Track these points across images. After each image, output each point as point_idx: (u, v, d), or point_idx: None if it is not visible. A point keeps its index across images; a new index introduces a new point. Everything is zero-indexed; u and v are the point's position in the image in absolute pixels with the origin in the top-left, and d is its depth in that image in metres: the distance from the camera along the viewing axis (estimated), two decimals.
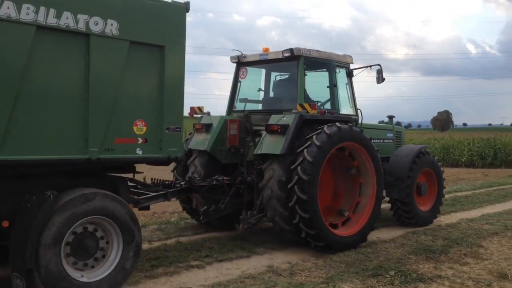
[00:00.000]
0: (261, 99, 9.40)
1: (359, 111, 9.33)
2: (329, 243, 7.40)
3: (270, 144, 7.50)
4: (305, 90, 8.37)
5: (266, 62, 8.81)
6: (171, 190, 7.11)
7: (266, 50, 8.94)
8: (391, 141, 10.49)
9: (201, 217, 7.93)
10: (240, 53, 9.09)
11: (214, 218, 7.99)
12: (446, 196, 11.97)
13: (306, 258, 7.06)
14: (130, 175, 6.27)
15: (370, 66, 9.31)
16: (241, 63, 9.12)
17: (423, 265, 6.80)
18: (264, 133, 7.77)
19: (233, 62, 9.18)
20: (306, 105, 7.71)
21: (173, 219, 9.85)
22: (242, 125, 8.79)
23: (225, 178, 8.15)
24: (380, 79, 9.24)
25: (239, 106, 9.29)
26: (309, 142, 7.32)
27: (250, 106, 9.29)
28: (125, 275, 5.55)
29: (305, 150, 7.25)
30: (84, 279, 5.24)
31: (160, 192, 6.96)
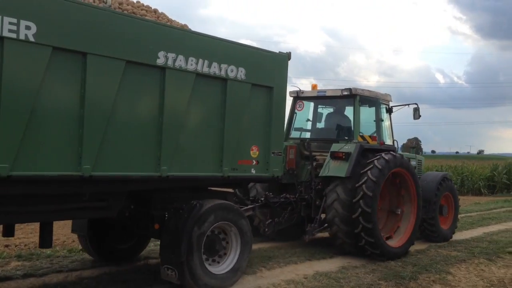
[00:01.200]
0: (313, 128, 10.89)
1: (395, 141, 10.90)
2: (383, 251, 8.84)
3: (335, 168, 8.98)
4: None
5: (323, 98, 10.33)
6: (257, 204, 8.51)
7: (315, 87, 10.52)
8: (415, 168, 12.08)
9: (266, 230, 9.26)
10: (298, 89, 10.62)
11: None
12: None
13: (277, 283, 7.06)
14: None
15: (408, 105, 10.92)
16: (299, 98, 10.64)
17: None
18: (327, 158, 9.24)
19: (292, 96, 10.68)
20: (366, 137, 9.27)
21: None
22: (298, 150, 10.24)
23: (290, 196, 9.56)
24: (416, 116, 10.84)
25: (293, 134, 10.79)
26: (371, 165, 8.82)
27: (303, 135, 10.81)
28: (242, 270, 6.92)
29: (369, 171, 8.75)
30: (215, 272, 6.59)
31: (249, 206, 8.35)
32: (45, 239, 5.91)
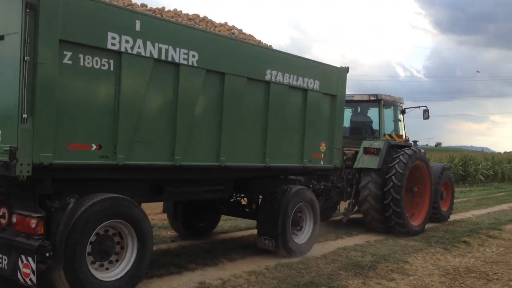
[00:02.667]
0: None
1: (407, 137, 12.90)
2: (408, 230, 10.80)
3: (368, 161, 10.87)
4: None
5: (351, 102, 12.18)
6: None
7: None
8: None
9: None
10: None
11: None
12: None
13: (239, 274, 7.05)
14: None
15: (419, 107, 12.96)
16: None
17: (352, 280, 7.03)
18: (360, 153, 11.12)
19: None
20: (393, 135, 11.22)
21: None
22: None
23: (327, 184, 11.40)
24: (426, 116, 12.87)
25: None
26: (398, 160, 10.75)
27: None
28: (314, 240, 8.72)
29: (396, 165, 10.68)
30: (297, 242, 8.35)
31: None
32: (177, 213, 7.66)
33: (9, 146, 4.82)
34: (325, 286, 6.58)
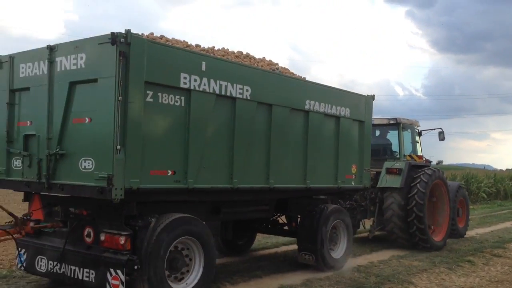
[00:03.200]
0: None
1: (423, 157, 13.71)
2: (431, 245, 11.52)
3: (390, 181, 11.64)
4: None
5: (372, 125, 12.99)
6: None
7: None
8: None
9: None
10: None
11: None
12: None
13: None
14: None
15: (434, 129, 13.78)
16: None
17: None
18: (383, 173, 11.89)
19: None
20: (414, 156, 12.02)
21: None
22: None
23: (353, 203, 12.14)
24: (441, 138, 13.69)
25: None
26: (419, 179, 11.53)
27: None
28: (349, 254, 9.44)
29: (418, 184, 11.45)
30: (334, 256, 9.08)
31: None
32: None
33: (107, 174, 5.61)
34: None
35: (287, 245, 11.14)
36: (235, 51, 8.49)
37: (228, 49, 8.38)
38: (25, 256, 7.14)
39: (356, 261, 9.77)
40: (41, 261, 6.89)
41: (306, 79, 9.07)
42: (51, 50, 6.40)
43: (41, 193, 6.91)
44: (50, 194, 6.71)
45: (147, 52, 5.92)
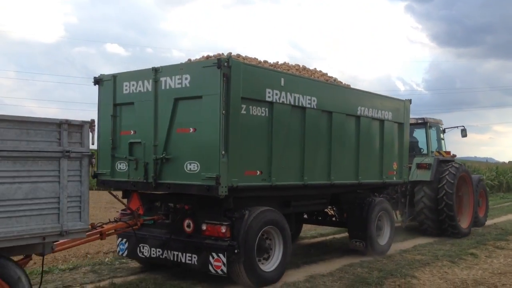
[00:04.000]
0: None
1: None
2: (459, 231, 12.76)
3: (421, 175, 12.86)
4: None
5: None
6: None
7: None
8: None
9: None
10: None
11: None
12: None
13: None
14: None
15: (457, 127, 15.01)
16: None
17: None
18: (413, 167, 13.11)
19: None
20: (442, 152, 13.26)
21: (107, 259, 9.32)
22: None
23: (386, 196, 13.37)
24: (463, 135, 14.90)
25: None
26: (447, 172, 12.76)
27: None
28: (391, 242, 10.69)
29: (447, 175, 12.68)
30: (380, 243, 10.32)
31: None
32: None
33: (215, 174, 6.85)
34: None
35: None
36: (294, 65, 9.69)
37: (288, 63, 9.59)
38: (126, 245, 8.39)
39: (360, 257, 9.80)
40: (143, 248, 8.14)
41: (383, 94, 10.22)
42: (156, 71, 7.63)
43: (140, 191, 8.12)
44: (152, 192, 7.96)
45: (242, 73, 7.14)
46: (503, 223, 16.20)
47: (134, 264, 8.86)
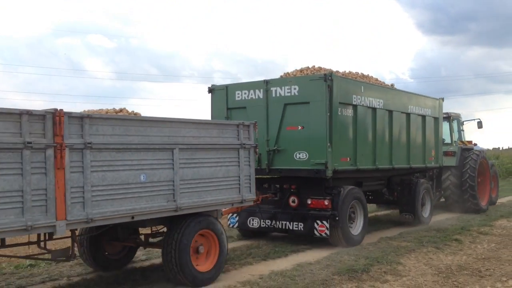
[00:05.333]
0: None
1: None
2: (480, 208, 15.26)
3: (447, 161, 15.34)
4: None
5: None
6: None
7: None
8: None
9: None
10: None
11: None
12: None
13: (233, 284, 7.06)
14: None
15: (474, 119, 17.52)
16: None
17: (346, 285, 6.99)
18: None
19: None
20: (465, 141, 15.77)
21: None
22: None
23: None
24: (479, 126, 17.42)
25: None
26: (470, 158, 15.26)
27: None
28: (432, 215, 13.15)
29: (469, 161, 15.17)
30: (424, 215, 12.78)
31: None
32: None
33: (324, 161, 9.20)
34: None
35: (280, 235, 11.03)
36: (355, 72, 12.04)
37: (352, 72, 11.93)
38: (236, 219, 10.69)
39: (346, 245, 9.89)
40: (252, 220, 10.44)
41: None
42: (267, 83, 9.93)
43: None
44: (263, 176, 10.23)
45: (339, 84, 9.48)
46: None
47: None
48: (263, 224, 10.36)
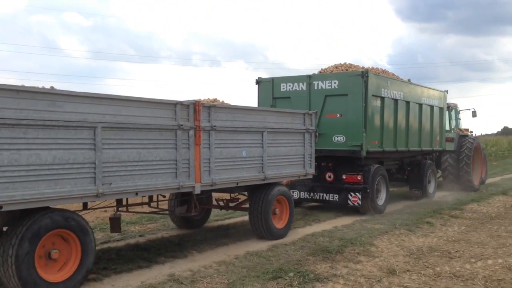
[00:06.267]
0: None
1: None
2: (473, 186, 17.51)
3: (447, 145, 17.52)
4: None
5: None
6: None
7: None
8: None
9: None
10: None
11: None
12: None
13: (208, 264, 7.10)
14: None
15: (469, 109, 19.73)
16: None
17: (320, 265, 7.04)
18: None
19: None
20: (462, 129, 17.99)
21: None
22: None
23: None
24: (473, 115, 19.64)
25: None
26: (466, 142, 17.47)
27: None
28: (436, 190, 15.35)
29: (466, 144, 17.40)
30: (429, 191, 14.96)
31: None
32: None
33: (360, 143, 11.20)
34: (293, 272, 6.63)
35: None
36: (376, 68, 14.01)
37: (377, 68, 13.90)
38: None
39: (321, 226, 10.28)
40: (293, 193, 12.40)
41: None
42: (310, 77, 11.83)
43: None
44: None
45: (371, 79, 11.44)
46: (458, 193, 17.29)
47: (96, 235, 8.74)
48: (302, 196, 12.34)
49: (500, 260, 7.46)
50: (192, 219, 9.86)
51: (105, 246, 8.18)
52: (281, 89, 12.33)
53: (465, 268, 7.03)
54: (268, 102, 12.43)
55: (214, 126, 7.45)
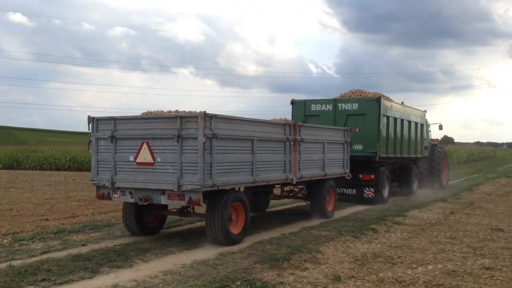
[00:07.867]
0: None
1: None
2: (442, 185, 21.82)
3: (422, 153, 21.83)
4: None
5: None
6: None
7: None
8: None
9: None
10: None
11: None
12: (291, 206, 15.26)
13: (154, 274, 6.94)
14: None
15: (436, 123, 24.14)
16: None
17: (268, 273, 7.06)
18: None
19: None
20: (434, 139, 22.39)
21: (5, 241, 9.07)
22: None
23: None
24: (440, 128, 24.08)
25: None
26: (437, 151, 21.80)
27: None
28: (418, 188, 19.55)
29: (436, 154, 21.72)
30: (414, 189, 19.13)
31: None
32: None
33: (375, 150, 15.12)
34: (240, 280, 6.58)
35: (201, 221, 10.81)
36: (379, 93, 17.98)
37: (383, 94, 17.89)
38: None
39: (269, 234, 10.21)
40: None
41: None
42: (335, 100, 15.68)
43: None
44: None
45: (382, 103, 15.38)
46: (401, 200, 17.33)
47: (36, 245, 8.77)
48: None
49: (439, 266, 7.75)
50: (148, 226, 10.00)
51: (45, 256, 7.90)
52: (312, 109, 16.09)
53: (407, 274, 7.22)
54: (300, 119, 16.13)
55: (302, 139, 11.08)
